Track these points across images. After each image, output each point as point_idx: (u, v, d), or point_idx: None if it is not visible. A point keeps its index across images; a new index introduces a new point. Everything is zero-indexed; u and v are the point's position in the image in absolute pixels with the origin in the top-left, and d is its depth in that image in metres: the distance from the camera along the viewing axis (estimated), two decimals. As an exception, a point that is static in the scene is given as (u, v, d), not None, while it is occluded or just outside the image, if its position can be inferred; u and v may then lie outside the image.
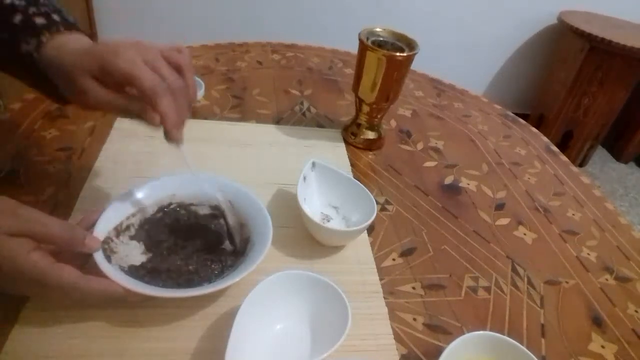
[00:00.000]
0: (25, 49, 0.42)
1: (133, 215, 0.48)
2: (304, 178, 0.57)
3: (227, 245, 0.50)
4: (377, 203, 0.59)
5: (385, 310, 0.48)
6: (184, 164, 0.45)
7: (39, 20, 0.43)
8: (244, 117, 0.77)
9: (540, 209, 0.69)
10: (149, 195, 0.50)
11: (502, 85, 2.35)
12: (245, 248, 0.48)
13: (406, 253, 0.56)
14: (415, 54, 0.66)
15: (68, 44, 0.42)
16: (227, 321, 0.40)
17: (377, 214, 0.54)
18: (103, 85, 0.40)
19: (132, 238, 0.47)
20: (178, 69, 0.42)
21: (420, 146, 0.79)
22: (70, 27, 0.44)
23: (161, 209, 0.51)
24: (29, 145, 0.62)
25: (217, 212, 0.52)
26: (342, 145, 0.75)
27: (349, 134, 0.75)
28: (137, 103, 0.40)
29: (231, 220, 0.49)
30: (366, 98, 0.70)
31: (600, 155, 2.39)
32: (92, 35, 1.79)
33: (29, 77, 0.45)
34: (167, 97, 0.40)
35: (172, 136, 0.42)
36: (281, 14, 1.93)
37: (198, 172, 0.47)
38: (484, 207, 0.67)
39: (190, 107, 0.44)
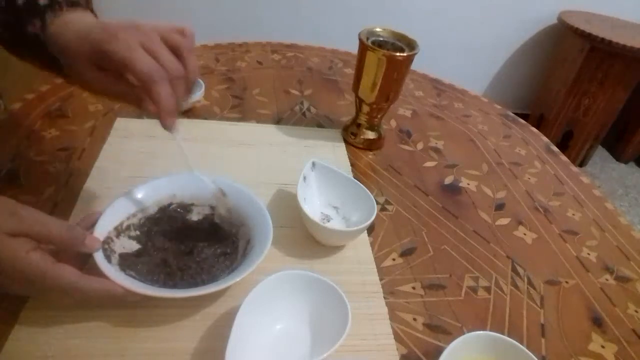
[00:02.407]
0: (30, 31, 0.41)
1: (133, 215, 0.48)
2: (304, 178, 0.57)
3: (227, 244, 0.50)
4: (377, 203, 0.59)
5: (385, 310, 0.48)
6: (182, 157, 0.45)
7: (42, 1, 0.42)
8: (244, 117, 0.77)
9: (540, 209, 0.69)
10: (149, 195, 0.50)
11: (502, 85, 2.35)
12: (245, 248, 0.48)
13: (406, 253, 0.56)
14: (415, 54, 0.66)
15: (70, 24, 0.41)
16: (227, 321, 0.40)
17: (377, 214, 0.54)
18: (102, 70, 0.40)
19: (132, 238, 0.47)
20: (177, 52, 0.41)
21: (420, 146, 0.79)
22: (74, 4, 0.44)
23: (161, 209, 0.51)
24: (29, 145, 0.62)
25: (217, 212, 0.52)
26: (342, 145, 0.75)
27: (349, 134, 0.75)
28: (135, 90, 0.40)
29: (222, 210, 0.49)
30: (366, 98, 0.70)
31: (600, 155, 2.39)
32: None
33: (38, 58, 0.45)
34: (163, 83, 0.39)
35: (165, 124, 0.41)
36: (281, 14, 1.93)
37: (195, 166, 0.47)
38: (484, 207, 0.67)
39: (189, 92, 0.43)
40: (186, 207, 0.52)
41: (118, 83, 0.41)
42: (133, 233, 0.48)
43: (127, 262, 0.44)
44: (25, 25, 0.42)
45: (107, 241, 0.44)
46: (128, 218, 0.48)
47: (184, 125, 0.72)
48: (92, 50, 0.39)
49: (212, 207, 0.52)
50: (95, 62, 0.40)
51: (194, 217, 0.52)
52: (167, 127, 0.41)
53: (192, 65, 0.42)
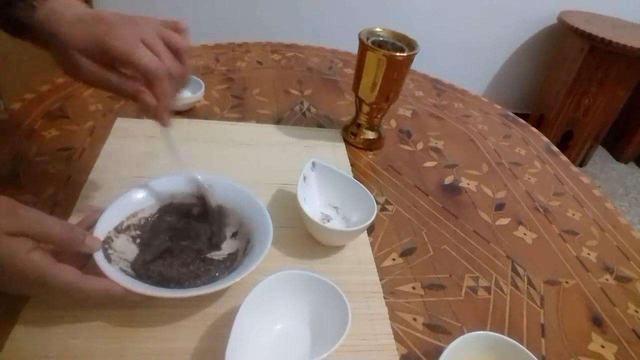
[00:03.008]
0: (19, 14, 0.41)
1: (133, 215, 0.48)
2: (304, 178, 0.57)
3: (227, 245, 0.50)
4: (377, 203, 0.59)
5: (385, 310, 0.48)
6: (173, 154, 0.47)
7: None
8: (244, 117, 0.77)
9: (540, 209, 0.69)
10: (149, 195, 0.50)
11: (502, 85, 2.35)
12: (246, 248, 0.48)
13: (406, 253, 0.56)
14: (415, 54, 0.66)
15: (60, 11, 0.41)
16: (227, 321, 0.40)
17: (377, 214, 0.54)
18: (97, 62, 0.40)
19: (132, 238, 0.47)
20: (176, 53, 0.42)
21: (420, 146, 0.79)
22: None
23: (161, 209, 0.51)
24: (29, 145, 0.62)
25: (217, 212, 0.52)
26: (342, 145, 0.75)
27: (349, 134, 0.75)
28: (131, 84, 0.41)
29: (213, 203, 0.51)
30: (366, 98, 0.70)
31: (600, 155, 2.39)
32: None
33: (29, 40, 0.44)
34: (165, 80, 0.40)
35: (164, 120, 0.43)
36: (281, 14, 1.93)
37: (187, 164, 0.48)
38: (484, 207, 0.67)
39: (182, 89, 0.46)
40: (186, 207, 0.52)
41: (113, 75, 0.41)
42: (133, 233, 0.48)
43: (127, 261, 0.44)
44: (14, 8, 0.41)
45: (107, 241, 0.44)
46: (128, 218, 0.48)
47: (184, 125, 0.72)
48: (90, 41, 0.39)
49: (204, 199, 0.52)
50: (92, 54, 0.40)
51: (194, 216, 0.52)
52: (166, 122, 0.43)
53: (189, 65, 0.43)
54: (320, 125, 0.79)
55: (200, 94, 0.75)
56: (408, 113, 0.89)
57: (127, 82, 0.41)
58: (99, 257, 0.40)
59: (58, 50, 0.41)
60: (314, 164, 0.59)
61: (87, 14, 0.41)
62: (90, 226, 0.44)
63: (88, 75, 0.41)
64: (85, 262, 0.41)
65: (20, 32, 0.43)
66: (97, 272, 0.39)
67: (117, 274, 0.40)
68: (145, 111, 0.42)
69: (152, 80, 0.40)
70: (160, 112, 0.42)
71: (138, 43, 0.39)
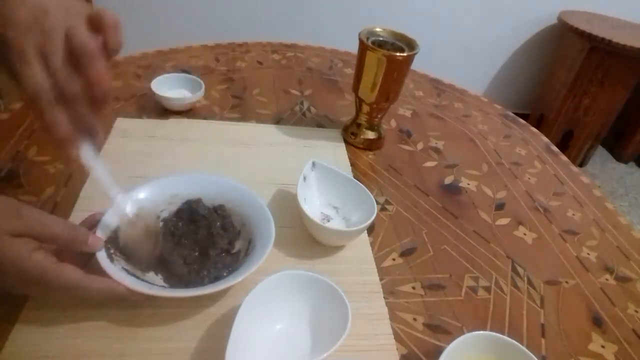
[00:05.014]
0: None
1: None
2: (304, 178, 0.57)
3: (227, 245, 0.50)
4: (377, 203, 0.59)
5: (385, 310, 0.48)
6: (102, 183, 0.41)
7: None
8: (244, 117, 0.77)
9: (540, 209, 0.69)
10: (149, 196, 0.50)
11: (502, 85, 2.35)
12: (247, 248, 0.48)
13: (406, 253, 0.56)
14: (415, 54, 0.66)
15: None
16: (227, 321, 0.40)
17: (377, 214, 0.54)
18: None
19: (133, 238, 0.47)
20: (85, 57, 0.33)
21: (420, 146, 0.79)
22: None
23: (162, 209, 0.51)
24: (29, 145, 0.62)
25: (218, 212, 0.52)
26: (342, 145, 0.75)
27: (349, 134, 0.75)
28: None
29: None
30: (366, 98, 0.70)
31: (600, 155, 2.39)
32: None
33: None
34: (53, 106, 0.33)
35: (66, 154, 0.35)
36: (281, 14, 1.93)
37: (120, 194, 0.43)
38: (484, 207, 0.67)
39: (100, 108, 0.36)
40: (187, 207, 0.52)
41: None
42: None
43: (128, 261, 0.44)
44: None
45: (109, 241, 0.44)
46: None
47: (184, 125, 0.72)
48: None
49: (213, 207, 0.52)
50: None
51: (195, 216, 0.52)
52: (70, 157, 0.36)
53: (94, 75, 0.33)
54: (320, 125, 0.79)
55: (200, 94, 0.75)
56: (408, 113, 0.88)
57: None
58: (101, 257, 0.40)
59: None
60: (314, 164, 0.59)
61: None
62: (92, 226, 0.44)
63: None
64: (87, 262, 0.41)
65: None
66: (100, 271, 0.39)
67: (120, 274, 0.40)
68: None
69: (36, 104, 0.33)
70: (57, 144, 0.34)
71: (30, 56, 0.32)
